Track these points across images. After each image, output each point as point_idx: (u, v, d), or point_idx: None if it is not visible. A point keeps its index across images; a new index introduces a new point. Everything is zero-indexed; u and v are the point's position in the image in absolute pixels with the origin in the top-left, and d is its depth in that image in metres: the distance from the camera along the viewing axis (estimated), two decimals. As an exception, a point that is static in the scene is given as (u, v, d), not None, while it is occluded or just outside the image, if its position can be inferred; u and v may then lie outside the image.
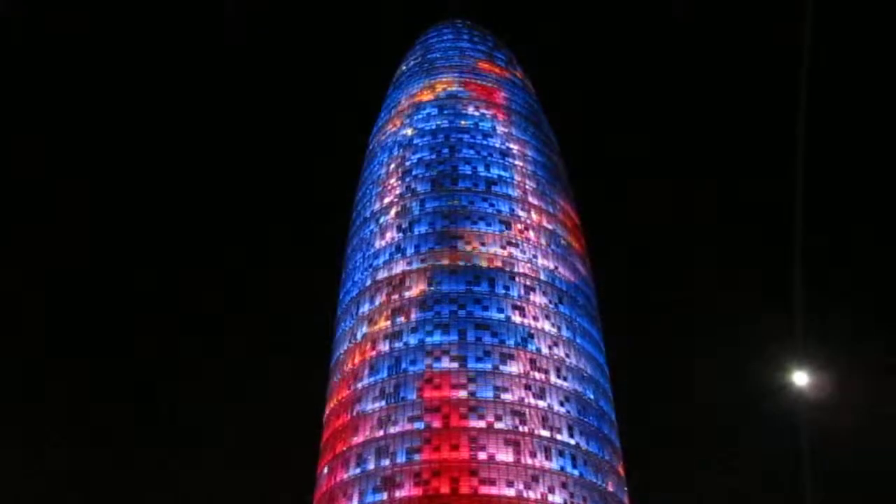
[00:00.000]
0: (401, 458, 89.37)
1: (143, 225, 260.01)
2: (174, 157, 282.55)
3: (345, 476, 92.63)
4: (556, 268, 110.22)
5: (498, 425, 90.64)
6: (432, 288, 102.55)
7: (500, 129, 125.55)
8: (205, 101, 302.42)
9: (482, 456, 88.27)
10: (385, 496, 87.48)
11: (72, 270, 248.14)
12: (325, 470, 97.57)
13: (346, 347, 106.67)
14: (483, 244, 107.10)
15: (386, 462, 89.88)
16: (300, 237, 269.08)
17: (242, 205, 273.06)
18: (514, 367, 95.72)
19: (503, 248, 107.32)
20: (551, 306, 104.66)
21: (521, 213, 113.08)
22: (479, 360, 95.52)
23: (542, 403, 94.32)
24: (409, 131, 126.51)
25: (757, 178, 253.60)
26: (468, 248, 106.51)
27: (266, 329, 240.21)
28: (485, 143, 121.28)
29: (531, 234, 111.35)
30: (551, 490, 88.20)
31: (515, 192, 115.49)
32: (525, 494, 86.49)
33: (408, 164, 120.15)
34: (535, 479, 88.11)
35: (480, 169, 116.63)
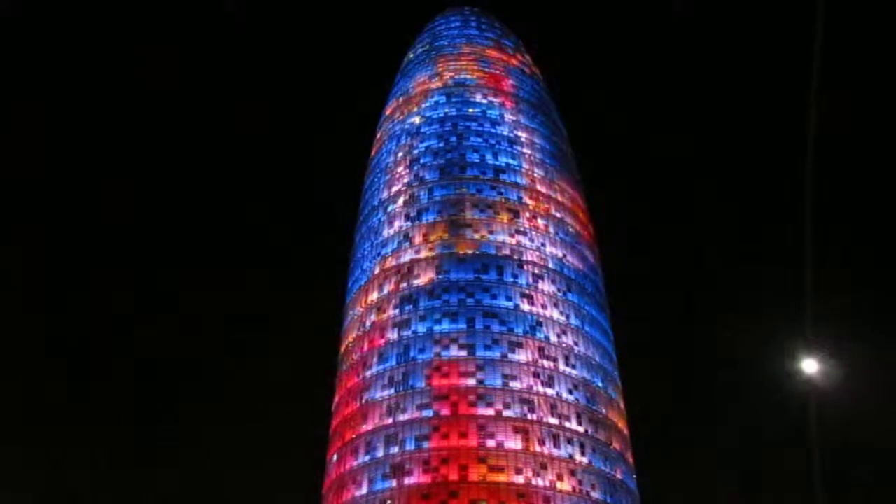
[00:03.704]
0: (410, 446, 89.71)
1: (140, 223, 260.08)
2: (175, 147, 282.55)
3: (354, 463, 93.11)
4: (565, 256, 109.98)
5: (506, 413, 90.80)
6: (440, 276, 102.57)
7: (508, 116, 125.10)
8: (208, 94, 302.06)
9: (491, 443, 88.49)
10: (394, 483, 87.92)
11: (71, 269, 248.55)
12: (335, 457, 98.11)
13: (354, 336, 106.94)
14: (491, 232, 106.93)
15: (395, 449, 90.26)
16: (305, 227, 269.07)
17: (244, 197, 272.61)
18: (522, 356, 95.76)
19: (511, 236, 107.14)
20: (559, 294, 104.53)
21: (530, 201, 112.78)
22: (487, 348, 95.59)
23: (550, 391, 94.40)
24: (416, 119, 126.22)
25: (762, 164, 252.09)
26: (476, 236, 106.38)
27: (268, 323, 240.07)
28: (493, 130, 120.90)
29: (539, 222, 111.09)
30: (560, 477, 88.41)
31: (523, 180, 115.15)
32: (534, 482, 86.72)
33: (415, 152, 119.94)
34: (543, 466, 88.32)
35: (488, 157, 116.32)
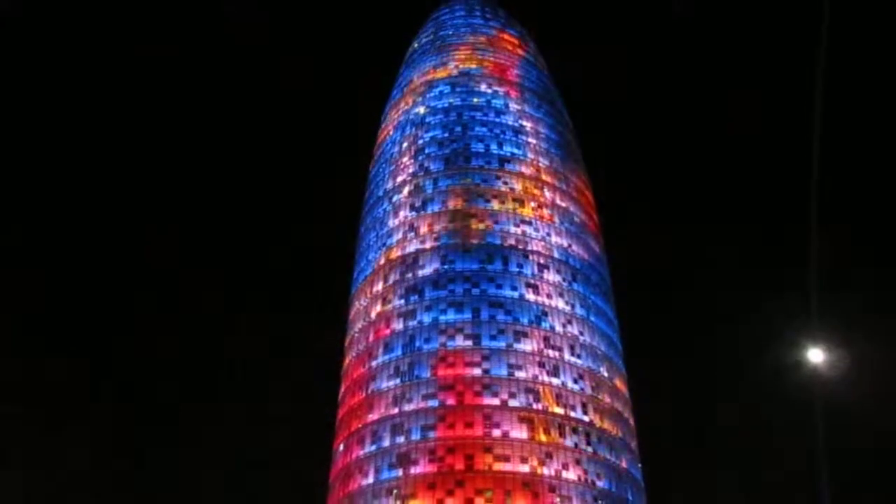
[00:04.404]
0: (415, 436, 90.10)
1: (142, 221, 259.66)
2: (181, 138, 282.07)
3: (360, 453, 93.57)
4: (570, 245, 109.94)
5: (512, 403, 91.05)
6: (446, 266, 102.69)
7: (513, 106, 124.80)
8: (212, 83, 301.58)
9: (496, 433, 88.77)
10: (400, 473, 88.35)
11: (72, 270, 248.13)
12: (341, 447, 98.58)
13: (360, 326, 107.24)
14: (496, 222, 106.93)
15: (401, 439, 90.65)
16: (310, 219, 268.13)
17: (245, 193, 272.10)
18: (527, 345, 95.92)
19: (516, 226, 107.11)
20: (565, 284, 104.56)
21: (535, 191, 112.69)
22: (492, 338, 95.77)
23: (555, 381, 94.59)
24: (421, 109, 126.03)
25: (763, 157, 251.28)
26: (481, 226, 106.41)
27: (268, 318, 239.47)
28: (497, 120, 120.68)
29: (544, 211, 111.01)
30: (565, 467, 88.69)
31: (528, 170, 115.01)
32: (539, 471, 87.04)
33: (420, 142, 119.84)
34: (549, 455, 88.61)
35: (493, 147, 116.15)
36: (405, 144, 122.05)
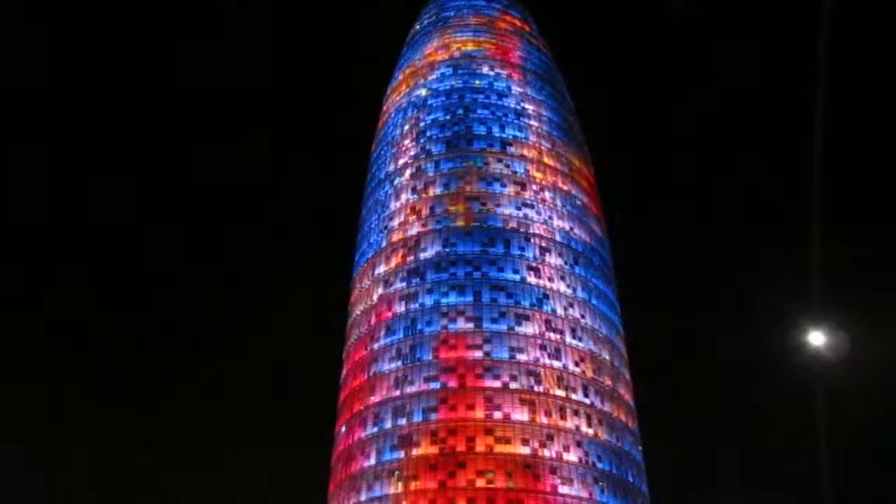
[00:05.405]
0: (417, 418, 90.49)
1: (142, 221, 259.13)
2: (175, 145, 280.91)
3: (362, 435, 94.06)
4: (572, 228, 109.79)
5: (513, 385, 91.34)
6: (447, 249, 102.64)
7: (516, 88, 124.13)
8: (212, 83, 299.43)
9: (497, 415, 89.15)
10: (402, 454, 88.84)
11: (73, 271, 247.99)
12: (343, 429, 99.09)
13: (362, 309, 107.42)
14: (498, 205, 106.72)
15: (402, 421, 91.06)
16: (312, 207, 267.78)
17: (245, 193, 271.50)
18: (529, 328, 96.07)
19: (518, 209, 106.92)
20: (567, 267, 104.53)
21: (537, 174, 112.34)
22: (494, 321, 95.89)
23: (557, 364, 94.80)
24: (423, 92, 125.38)
25: (775, 141, 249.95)
26: (483, 209, 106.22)
27: (268, 305, 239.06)
28: (500, 103, 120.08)
29: (546, 194, 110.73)
30: (566, 449, 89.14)
31: (531, 153, 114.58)
32: (540, 453, 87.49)
33: (422, 124, 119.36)
34: (549, 437, 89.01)
35: (495, 129, 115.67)
36: (407, 127, 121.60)
